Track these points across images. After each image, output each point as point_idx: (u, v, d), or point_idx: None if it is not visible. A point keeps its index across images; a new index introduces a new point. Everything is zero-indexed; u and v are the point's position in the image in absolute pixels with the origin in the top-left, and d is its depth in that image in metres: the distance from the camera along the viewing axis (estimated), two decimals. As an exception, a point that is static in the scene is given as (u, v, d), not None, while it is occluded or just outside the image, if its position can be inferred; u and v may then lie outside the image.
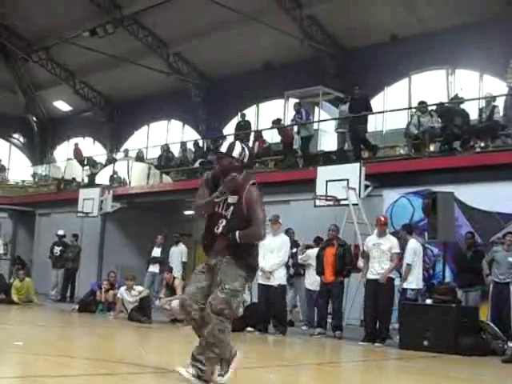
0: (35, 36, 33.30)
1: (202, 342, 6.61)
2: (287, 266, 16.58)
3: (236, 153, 6.83)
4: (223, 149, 6.91)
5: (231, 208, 6.75)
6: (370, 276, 13.96)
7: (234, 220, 6.71)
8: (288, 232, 17.39)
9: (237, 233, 6.59)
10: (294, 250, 17.15)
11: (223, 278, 6.59)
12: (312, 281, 16.16)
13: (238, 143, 6.93)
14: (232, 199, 6.75)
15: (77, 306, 19.20)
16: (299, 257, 16.73)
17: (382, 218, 14.42)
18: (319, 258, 15.09)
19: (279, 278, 15.00)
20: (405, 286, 13.95)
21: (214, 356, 6.57)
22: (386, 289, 13.71)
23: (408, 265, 13.85)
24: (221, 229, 6.75)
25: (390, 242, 13.93)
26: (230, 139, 6.93)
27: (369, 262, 14.05)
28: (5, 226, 30.40)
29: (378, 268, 13.78)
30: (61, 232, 24.69)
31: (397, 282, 14.26)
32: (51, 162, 37.13)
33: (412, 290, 13.86)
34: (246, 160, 6.95)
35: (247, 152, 6.96)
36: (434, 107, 19.36)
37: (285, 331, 14.99)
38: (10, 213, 31.31)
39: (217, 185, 6.83)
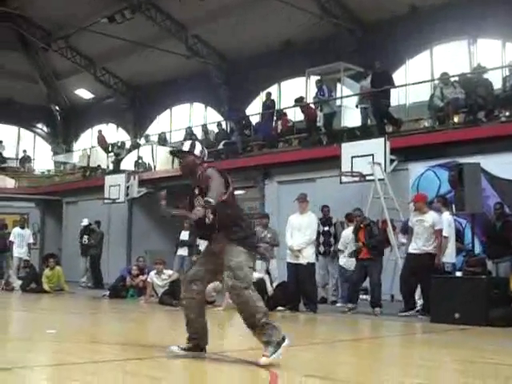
0: (54, 25, 33.28)
1: (248, 325, 7.06)
2: (318, 244, 16.71)
3: (197, 151, 7.45)
4: (185, 147, 7.52)
5: (200, 197, 7.20)
6: (411, 250, 14.06)
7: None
8: (323, 210, 17.43)
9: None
10: (326, 229, 17.20)
11: (228, 257, 7.10)
12: (347, 259, 16.17)
13: (197, 143, 7.55)
14: (197, 190, 7.32)
15: (107, 292, 19.32)
16: (339, 245, 16.75)
17: (415, 196, 14.53)
18: (355, 240, 15.16)
19: (308, 256, 15.02)
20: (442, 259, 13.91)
21: (262, 322, 6.95)
22: (428, 264, 13.73)
23: (445, 237, 13.80)
24: (210, 219, 7.17)
25: (433, 219, 13.94)
26: (189, 141, 7.62)
27: (412, 237, 14.13)
28: (33, 216, 30.60)
29: (421, 244, 13.86)
30: (85, 222, 24.83)
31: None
32: (70, 151, 37.55)
33: (449, 263, 13.82)
34: (205, 158, 7.58)
35: (206, 152, 7.56)
36: (457, 78, 19.23)
37: (315, 309, 15.00)
38: (38, 202, 31.51)
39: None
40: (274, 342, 6.91)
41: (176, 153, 7.80)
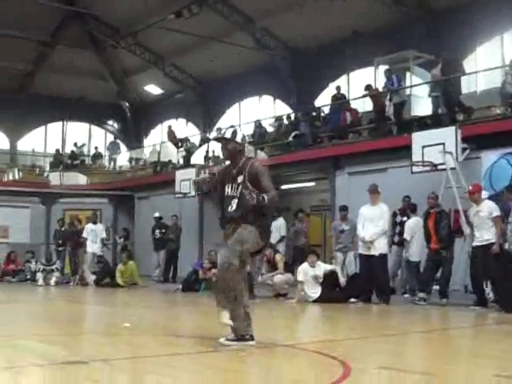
0: (122, 23, 33.64)
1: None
2: (393, 234, 16.59)
3: (238, 138, 8.03)
4: (228, 135, 8.07)
5: (240, 188, 7.82)
6: (475, 243, 13.86)
7: (243, 198, 7.69)
8: (405, 200, 17.17)
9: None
10: (405, 219, 16.94)
11: (240, 230, 7.66)
12: (414, 251, 16.03)
13: (238, 131, 8.15)
14: (240, 179, 7.86)
15: (180, 286, 19.47)
16: (405, 235, 16.48)
17: (470, 188, 14.24)
18: (425, 227, 14.99)
19: (380, 247, 14.94)
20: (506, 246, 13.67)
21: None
22: (494, 254, 13.49)
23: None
24: (234, 207, 7.81)
25: (488, 208, 13.71)
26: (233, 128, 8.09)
27: (473, 231, 13.91)
28: (105, 212, 30.93)
29: (483, 235, 13.62)
30: (157, 214, 25.12)
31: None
32: (142, 147, 37.98)
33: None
34: (245, 145, 8.21)
35: (246, 139, 8.30)
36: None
37: (388, 300, 14.91)
38: (110, 198, 31.86)
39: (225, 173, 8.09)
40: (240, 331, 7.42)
41: (219, 139, 8.24)
